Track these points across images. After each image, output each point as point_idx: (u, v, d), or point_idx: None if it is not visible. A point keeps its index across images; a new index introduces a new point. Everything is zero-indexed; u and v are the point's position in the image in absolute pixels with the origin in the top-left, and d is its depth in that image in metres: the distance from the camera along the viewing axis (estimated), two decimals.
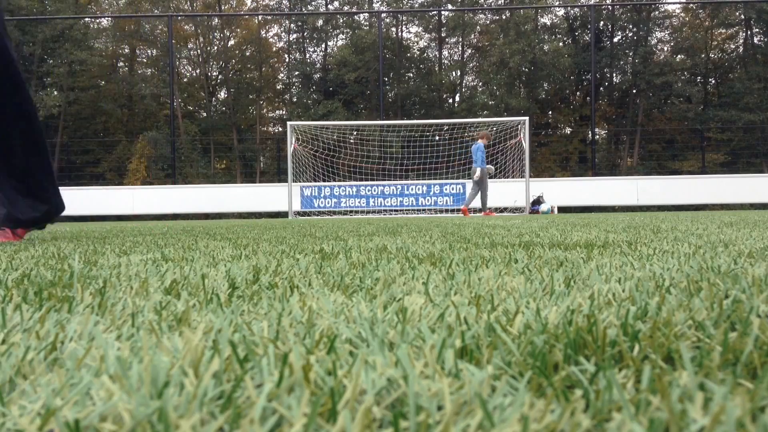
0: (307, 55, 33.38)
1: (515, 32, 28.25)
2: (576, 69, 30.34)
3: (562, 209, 17.55)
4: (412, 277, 1.54)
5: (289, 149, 16.53)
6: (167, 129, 26.95)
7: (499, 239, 3.28)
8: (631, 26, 30.23)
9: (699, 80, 30.93)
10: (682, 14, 30.64)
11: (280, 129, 31.95)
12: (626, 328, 0.84)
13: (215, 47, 32.92)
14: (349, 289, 1.35)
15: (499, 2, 32.02)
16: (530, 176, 16.79)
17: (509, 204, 17.10)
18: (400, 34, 32.29)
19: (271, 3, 33.68)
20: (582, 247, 2.52)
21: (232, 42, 33.25)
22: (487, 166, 14.00)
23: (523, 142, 16.11)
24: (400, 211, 17.57)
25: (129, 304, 1.18)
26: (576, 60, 29.43)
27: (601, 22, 30.43)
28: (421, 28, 32.74)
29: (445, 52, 33.41)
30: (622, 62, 30.33)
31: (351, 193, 17.67)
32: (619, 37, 31.01)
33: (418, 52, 32.75)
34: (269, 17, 33.10)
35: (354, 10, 32.64)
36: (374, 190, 17.65)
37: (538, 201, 16.26)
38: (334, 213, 17.54)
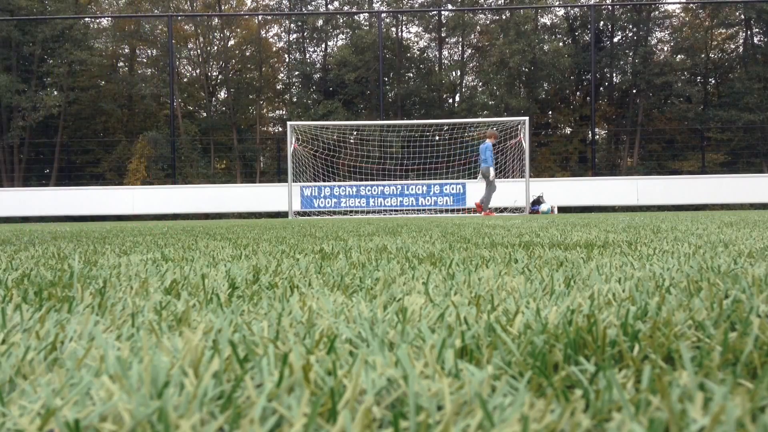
0: (307, 55, 33.38)
1: (515, 32, 28.24)
2: (576, 69, 30.33)
3: (562, 209, 17.55)
4: (412, 277, 1.54)
5: (289, 149, 16.53)
6: (167, 129, 26.95)
7: (499, 239, 3.28)
8: (631, 26, 30.22)
9: (699, 80, 30.92)
10: (682, 14, 30.63)
11: (280, 129, 31.95)
12: (626, 328, 0.84)
13: (215, 47, 32.91)
14: (349, 289, 1.35)
15: (499, 2, 32.02)
16: (530, 176, 16.79)
17: (509, 204, 17.10)
18: (400, 34, 32.28)
19: (271, 3, 33.69)
20: (582, 247, 2.52)
21: (232, 42, 33.25)
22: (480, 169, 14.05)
23: (523, 142, 16.11)
24: (400, 211, 17.57)
25: (129, 304, 1.18)
26: (576, 60, 29.43)
27: (601, 22, 30.43)
28: (421, 28, 32.74)
29: (445, 52, 33.42)
30: (622, 62, 30.33)
31: (351, 193, 17.67)
32: (619, 37, 31.01)
33: (418, 52, 32.75)
34: (269, 17, 33.10)
35: (354, 10, 32.63)
36: (374, 190, 17.65)
37: (538, 201, 16.26)
38: (334, 213, 17.54)
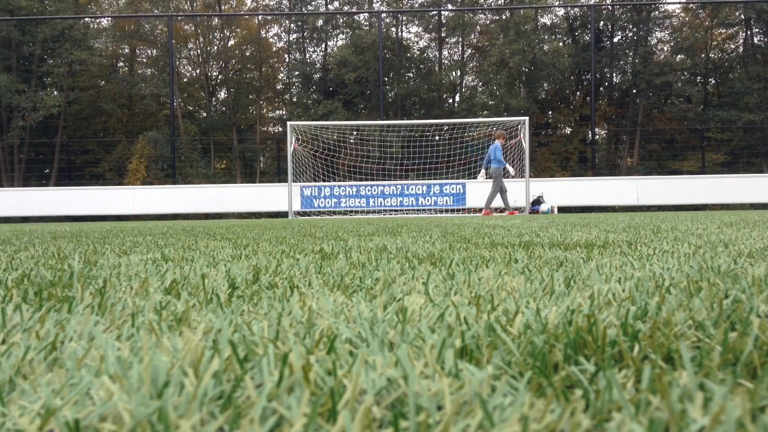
0: (307, 55, 33.38)
1: (515, 32, 28.23)
2: (576, 69, 30.33)
3: (562, 209, 17.55)
4: (412, 277, 1.54)
5: (289, 149, 16.53)
6: (167, 129, 26.95)
7: (499, 239, 3.28)
8: (631, 26, 30.22)
9: (699, 80, 30.92)
10: (682, 14, 30.63)
11: (280, 129, 31.94)
12: (626, 328, 0.84)
13: (215, 47, 32.91)
14: (349, 289, 1.35)
15: (499, 2, 32.02)
16: (530, 176, 16.79)
17: (510, 204, 17.10)
18: (400, 34, 32.28)
19: (271, 3, 33.68)
20: (582, 247, 2.53)
21: (232, 42, 33.24)
22: (490, 168, 14.03)
23: (523, 142, 16.10)
24: (400, 211, 17.57)
25: (129, 304, 1.18)
26: (576, 60, 29.43)
27: (601, 22, 30.42)
28: (421, 28, 32.73)
29: (445, 52, 33.42)
30: (622, 62, 30.33)
31: (351, 193, 17.67)
32: (619, 37, 31.01)
33: (418, 52, 32.75)
34: (269, 17, 33.09)
35: (354, 10, 32.62)
36: (374, 190, 17.65)
37: (538, 201, 16.26)
38: (334, 213, 17.54)
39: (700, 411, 0.53)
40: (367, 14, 31.39)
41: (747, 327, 0.81)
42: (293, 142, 16.74)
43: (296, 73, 32.58)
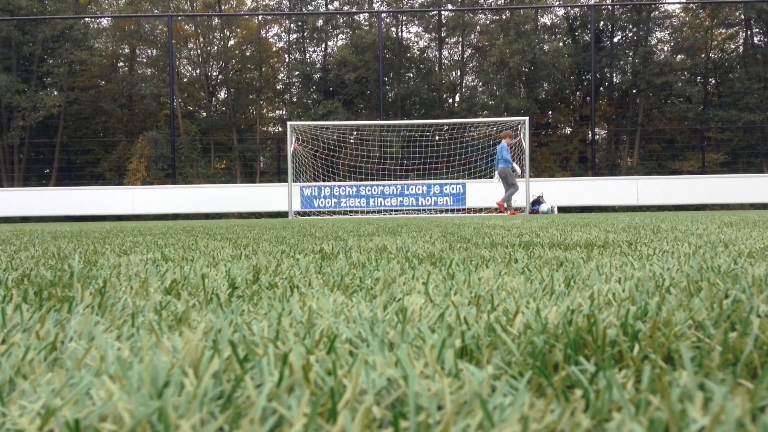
0: (307, 55, 33.38)
1: (515, 32, 28.23)
2: (576, 69, 30.33)
3: (562, 209, 17.54)
4: (412, 277, 1.54)
5: (289, 149, 16.53)
6: (167, 129, 26.95)
7: (499, 239, 3.28)
8: (631, 26, 30.22)
9: (699, 80, 30.91)
10: (682, 14, 30.63)
11: (280, 129, 31.94)
12: (626, 328, 0.84)
13: (215, 47, 32.90)
14: (349, 289, 1.35)
15: (499, 2, 32.01)
16: (530, 176, 16.79)
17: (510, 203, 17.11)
18: (400, 34, 32.27)
19: (271, 3, 33.68)
20: (582, 247, 2.52)
21: (232, 42, 33.24)
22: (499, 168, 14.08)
23: (523, 142, 16.10)
24: (400, 211, 17.57)
25: (129, 304, 1.18)
26: (576, 60, 29.42)
27: (601, 22, 30.42)
28: (421, 28, 32.73)
29: (445, 52, 33.41)
30: (622, 62, 30.32)
31: (351, 193, 17.67)
32: (619, 37, 31.00)
33: (418, 52, 32.74)
34: (269, 17, 33.09)
35: (354, 10, 32.62)
36: (374, 190, 17.65)
37: (538, 201, 16.26)
38: (334, 213, 17.54)
39: (700, 411, 0.53)
40: (367, 14, 31.38)
41: (747, 327, 0.81)
42: (293, 142, 16.74)
43: (296, 73, 32.58)
